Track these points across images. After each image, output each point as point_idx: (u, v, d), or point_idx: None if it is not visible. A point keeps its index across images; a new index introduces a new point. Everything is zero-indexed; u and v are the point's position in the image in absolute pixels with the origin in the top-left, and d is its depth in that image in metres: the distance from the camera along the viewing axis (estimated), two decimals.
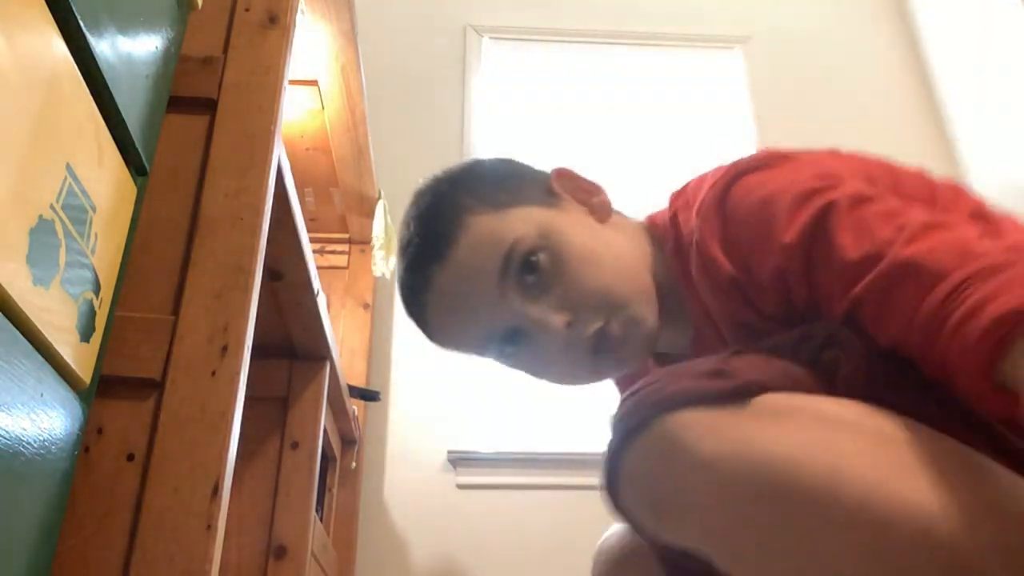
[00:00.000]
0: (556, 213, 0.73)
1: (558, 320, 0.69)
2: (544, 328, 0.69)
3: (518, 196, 0.73)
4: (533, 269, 0.69)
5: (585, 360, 0.71)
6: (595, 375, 0.75)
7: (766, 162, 0.67)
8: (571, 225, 0.72)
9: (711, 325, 0.70)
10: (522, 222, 0.71)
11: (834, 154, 0.70)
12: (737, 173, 0.67)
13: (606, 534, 0.87)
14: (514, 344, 0.72)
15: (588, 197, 0.77)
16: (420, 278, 0.72)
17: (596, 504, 2.39)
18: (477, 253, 0.70)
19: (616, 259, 0.72)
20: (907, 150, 2.73)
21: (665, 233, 0.75)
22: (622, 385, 0.93)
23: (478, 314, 0.71)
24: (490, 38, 2.86)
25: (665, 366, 0.78)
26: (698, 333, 0.73)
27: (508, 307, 0.70)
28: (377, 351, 2.30)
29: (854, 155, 0.71)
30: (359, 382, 2.13)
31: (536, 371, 0.75)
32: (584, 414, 2.25)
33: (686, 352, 0.76)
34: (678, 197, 0.76)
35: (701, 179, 0.73)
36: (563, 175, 0.78)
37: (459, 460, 2.18)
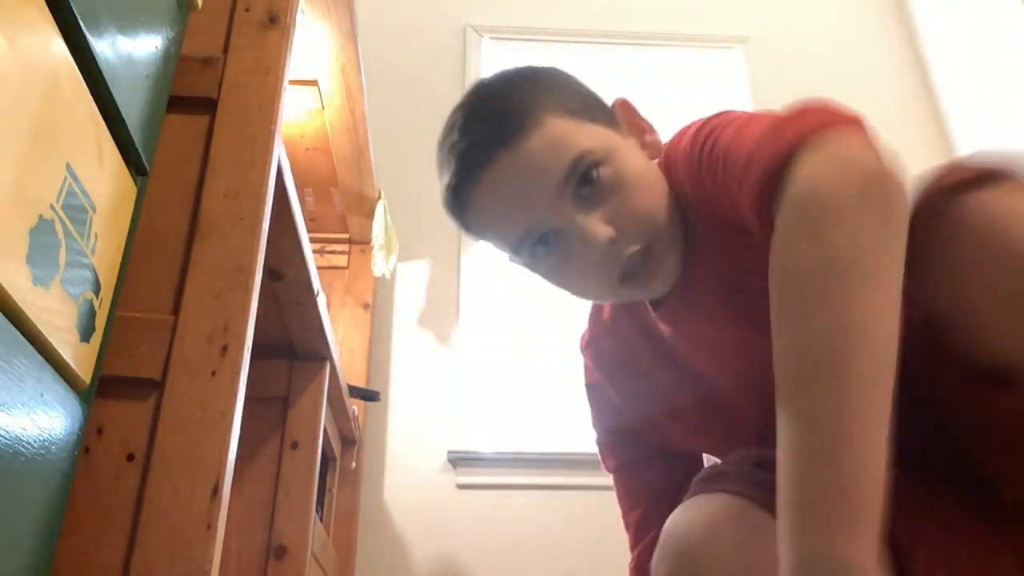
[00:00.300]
0: (620, 138, 0.77)
1: (604, 232, 0.71)
2: (588, 237, 0.72)
3: (591, 112, 0.76)
4: (591, 182, 0.72)
5: (612, 278, 0.74)
6: (613, 294, 0.78)
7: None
8: (630, 153, 0.76)
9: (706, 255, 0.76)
10: (592, 136, 0.73)
11: None
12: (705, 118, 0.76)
13: (678, 521, 0.79)
14: (548, 246, 0.75)
15: (642, 133, 0.80)
16: (481, 158, 0.73)
17: (596, 504, 2.39)
18: (546, 151, 0.72)
19: (662, 193, 0.75)
20: (906, 150, 2.74)
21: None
22: (591, 346, 0.94)
23: (528, 209, 0.73)
24: (490, 38, 2.86)
25: (655, 308, 0.81)
26: (687, 271, 0.77)
27: (560, 210, 0.72)
28: (377, 351, 2.30)
29: None
30: (359, 382, 2.13)
31: (558, 277, 0.77)
32: (584, 415, 2.25)
33: (668, 295, 0.79)
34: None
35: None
36: (626, 107, 0.81)
37: (459, 460, 2.18)
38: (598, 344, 0.94)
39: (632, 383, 0.91)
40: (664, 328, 0.83)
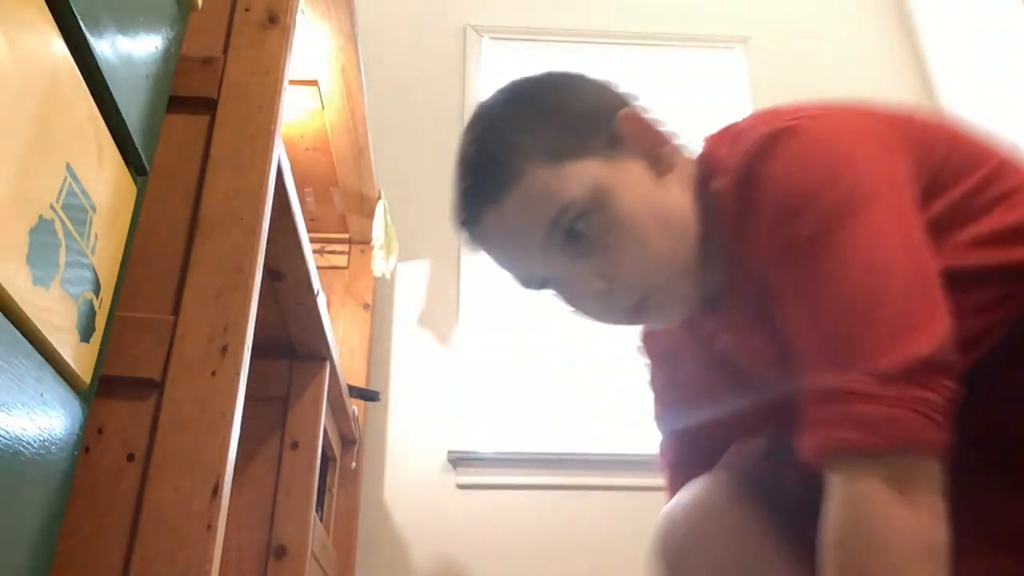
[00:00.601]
0: (614, 171, 0.72)
1: (595, 286, 0.71)
2: (580, 290, 0.73)
3: (579, 144, 0.72)
4: (578, 235, 0.70)
5: (622, 315, 0.74)
6: (632, 324, 0.78)
7: (806, 139, 0.67)
8: (627, 188, 0.71)
9: (739, 265, 0.74)
10: (577, 181, 0.70)
11: (873, 137, 0.69)
12: (774, 143, 0.68)
13: (672, 506, 0.86)
14: (552, 287, 0.76)
15: (653, 146, 0.74)
16: (471, 214, 0.74)
17: (596, 504, 2.38)
18: (527, 209, 0.70)
19: (663, 231, 0.71)
20: None
21: (703, 168, 0.77)
22: (649, 343, 0.94)
23: (521, 261, 0.74)
24: (490, 38, 2.86)
25: (706, 308, 0.79)
26: (728, 274, 0.76)
27: (549, 262, 0.72)
28: (377, 351, 2.30)
29: (895, 133, 0.71)
30: (359, 382, 2.13)
31: (573, 310, 0.77)
32: (584, 415, 2.25)
33: (720, 291, 0.78)
34: (712, 139, 0.79)
35: (737, 129, 0.75)
36: (631, 120, 0.74)
37: (459, 460, 2.18)
38: (649, 337, 0.94)
39: (672, 374, 0.91)
40: (709, 331, 0.83)
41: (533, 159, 0.70)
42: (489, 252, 0.77)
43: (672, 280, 0.72)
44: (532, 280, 0.75)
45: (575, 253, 0.71)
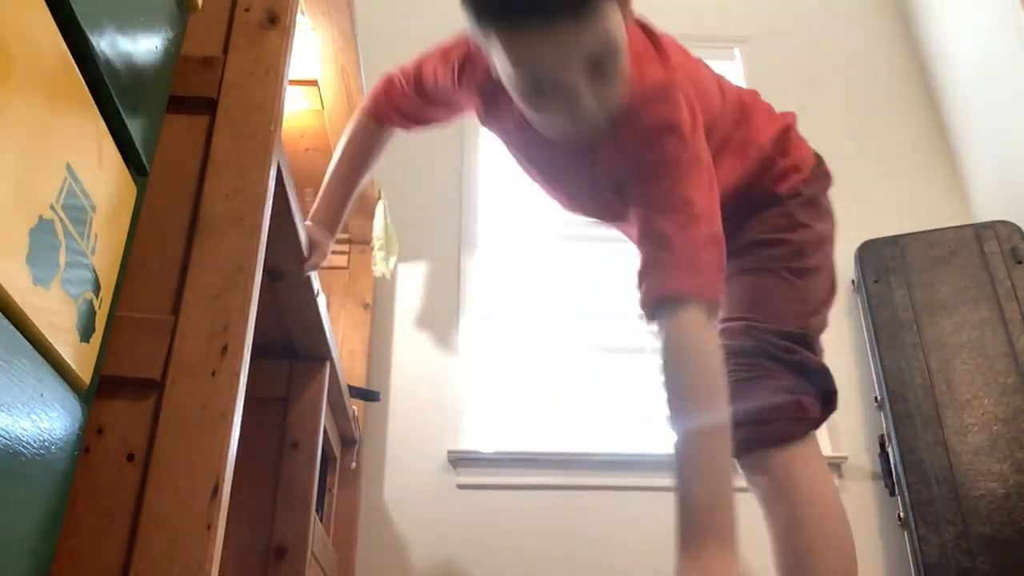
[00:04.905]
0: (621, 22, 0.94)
1: (591, 103, 0.93)
2: (582, 101, 0.93)
3: None
4: (605, 68, 0.92)
5: (577, 123, 0.97)
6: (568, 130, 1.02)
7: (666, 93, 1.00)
8: (623, 39, 0.95)
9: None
10: (619, 30, 0.92)
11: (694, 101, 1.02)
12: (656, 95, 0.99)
13: None
14: (557, 93, 0.93)
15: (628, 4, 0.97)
16: (542, 20, 0.87)
17: (596, 504, 2.38)
18: (593, 35, 0.89)
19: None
20: (905, 149, 2.75)
21: None
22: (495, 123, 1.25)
23: (557, 66, 0.90)
24: None
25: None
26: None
27: (576, 77, 0.91)
28: (377, 351, 2.30)
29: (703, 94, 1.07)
30: (359, 382, 2.13)
31: (545, 112, 0.97)
32: (584, 415, 2.25)
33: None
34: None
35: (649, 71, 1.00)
36: None
37: (459, 460, 2.18)
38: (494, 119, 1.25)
39: (530, 154, 1.26)
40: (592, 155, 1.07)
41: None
42: (526, 50, 0.90)
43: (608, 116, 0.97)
44: (550, 83, 0.91)
45: (596, 78, 0.92)
